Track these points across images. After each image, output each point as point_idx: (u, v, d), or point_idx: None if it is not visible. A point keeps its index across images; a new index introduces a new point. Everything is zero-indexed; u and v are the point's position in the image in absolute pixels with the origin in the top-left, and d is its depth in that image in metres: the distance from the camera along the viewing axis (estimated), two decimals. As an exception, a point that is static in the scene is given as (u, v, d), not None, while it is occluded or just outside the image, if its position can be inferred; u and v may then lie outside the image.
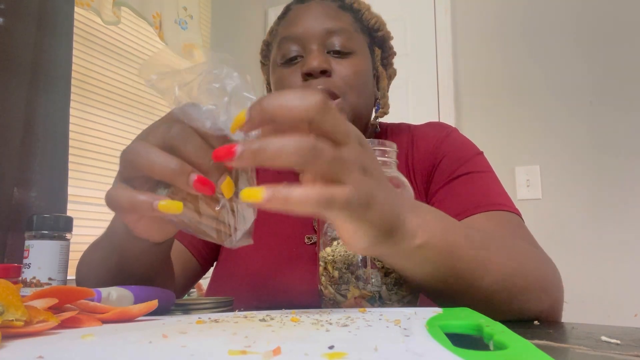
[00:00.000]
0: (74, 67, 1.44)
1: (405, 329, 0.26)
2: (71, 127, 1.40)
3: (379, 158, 0.45)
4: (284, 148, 0.29)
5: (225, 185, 0.36)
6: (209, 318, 0.33)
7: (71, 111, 1.39)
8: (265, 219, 0.68)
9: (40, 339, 0.25)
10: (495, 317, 0.31)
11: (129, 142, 0.38)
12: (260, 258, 0.67)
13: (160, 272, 0.51)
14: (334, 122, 0.31)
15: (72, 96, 1.40)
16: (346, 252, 0.46)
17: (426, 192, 0.67)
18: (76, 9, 1.47)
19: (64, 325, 0.30)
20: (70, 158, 1.38)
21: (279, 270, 0.66)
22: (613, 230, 1.59)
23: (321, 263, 0.48)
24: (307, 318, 0.31)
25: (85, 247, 0.56)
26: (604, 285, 1.57)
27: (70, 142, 1.38)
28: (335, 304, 0.46)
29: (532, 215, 1.57)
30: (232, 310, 0.49)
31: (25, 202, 1.20)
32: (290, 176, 0.73)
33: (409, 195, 0.45)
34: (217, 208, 0.38)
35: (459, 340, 0.26)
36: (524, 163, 1.74)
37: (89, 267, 0.53)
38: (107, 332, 0.27)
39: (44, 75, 1.29)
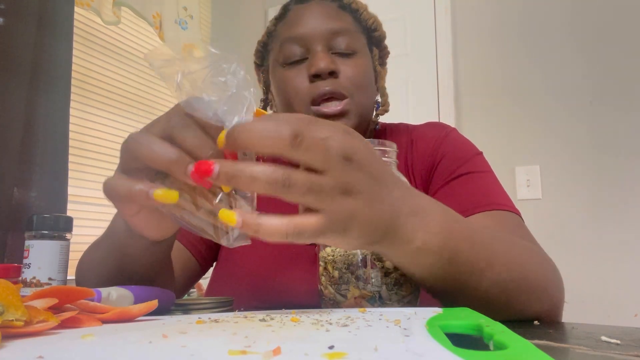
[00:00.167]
0: (74, 67, 1.44)
1: (405, 329, 0.26)
2: (71, 127, 1.40)
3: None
4: (256, 177, 0.30)
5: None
6: (209, 318, 0.33)
7: (71, 111, 1.39)
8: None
9: (40, 339, 0.25)
10: (494, 317, 0.31)
11: (129, 142, 0.38)
12: (259, 258, 0.67)
13: (161, 272, 0.51)
14: (308, 153, 0.31)
15: (72, 96, 1.40)
16: (346, 252, 0.46)
17: (425, 192, 0.67)
18: (76, 9, 1.47)
19: (64, 325, 0.30)
20: (70, 158, 1.38)
21: (279, 270, 0.66)
22: (613, 230, 1.59)
23: (321, 263, 0.48)
24: (307, 318, 0.31)
25: (85, 247, 0.56)
26: (604, 285, 1.57)
27: (70, 142, 1.38)
28: (335, 304, 0.46)
29: (532, 215, 1.57)
30: (232, 310, 0.49)
31: (25, 202, 1.20)
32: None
33: None
34: (215, 202, 0.38)
35: (459, 340, 0.26)
36: (524, 163, 1.74)
37: (89, 267, 0.53)
38: (107, 332, 0.27)
39: (44, 75, 1.29)
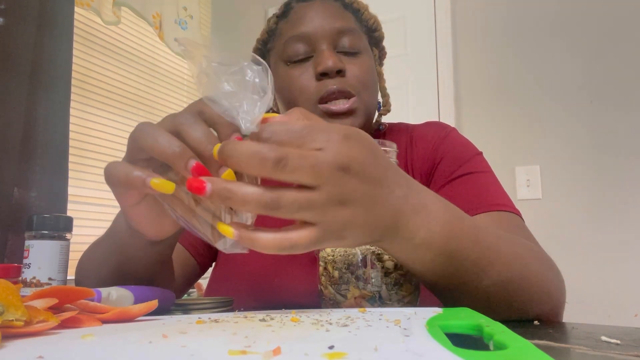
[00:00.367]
0: (74, 67, 1.44)
1: (405, 329, 0.26)
2: (71, 127, 1.40)
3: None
4: (246, 199, 0.31)
5: (226, 176, 0.36)
6: (209, 318, 0.33)
7: (71, 111, 1.39)
8: (264, 220, 0.68)
9: (40, 339, 0.25)
10: (495, 316, 0.31)
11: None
12: (259, 258, 0.67)
13: (161, 272, 0.51)
14: (294, 174, 0.31)
15: (72, 96, 1.40)
16: (346, 252, 0.46)
17: None
18: (76, 9, 1.47)
19: (64, 325, 0.30)
20: (70, 158, 1.38)
21: (279, 270, 0.66)
22: (613, 230, 1.59)
23: (321, 263, 0.48)
24: (307, 318, 0.31)
25: (85, 247, 0.56)
26: (604, 285, 1.57)
27: (70, 142, 1.38)
28: (335, 304, 0.46)
29: (532, 215, 1.57)
30: (232, 310, 0.49)
31: (25, 202, 1.20)
32: None
33: None
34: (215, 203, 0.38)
35: (459, 340, 0.26)
36: (524, 163, 1.74)
37: (90, 266, 0.53)
38: (107, 332, 0.27)
39: (44, 75, 1.29)
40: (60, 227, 0.58)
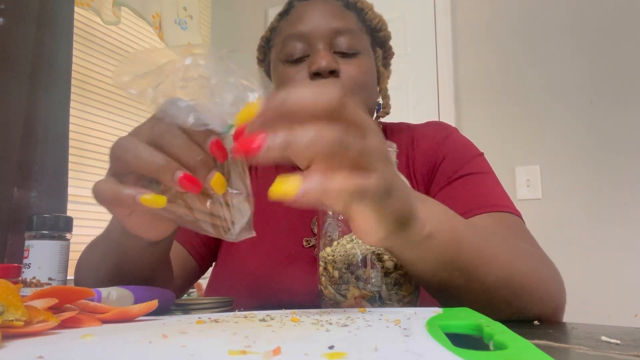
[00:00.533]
0: (74, 67, 1.44)
1: (405, 329, 0.26)
2: (71, 127, 1.40)
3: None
4: (314, 140, 0.28)
5: (215, 181, 0.35)
6: (209, 318, 0.33)
7: (71, 111, 1.39)
8: (263, 222, 0.68)
9: (40, 339, 0.25)
10: (496, 315, 0.31)
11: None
12: (259, 259, 0.67)
13: (159, 272, 0.51)
14: (354, 113, 0.30)
15: (72, 96, 1.40)
16: (346, 252, 0.46)
17: (427, 193, 0.67)
18: (76, 9, 1.47)
19: (64, 325, 0.30)
20: (70, 158, 1.38)
21: (279, 270, 0.66)
22: (613, 230, 1.59)
23: (321, 263, 0.48)
24: (307, 318, 0.31)
25: (85, 247, 0.56)
26: (604, 285, 1.57)
27: (70, 142, 1.38)
28: (335, 304, 0.46)
29: (532, 215, 1.57)
30: (232, 310, 0.49)
31: (25, 202, 1.20)
32: (288, 171, 0.73)
33: None
34: (208, 204, 0.37)
35: (459, 340, 0.26)
36: (524, 163, 1.74)
37: (88, 267, 0.53)
38: (107, 332, 0.27)
39: (44, 75, 1.29)
40: (60, 227, 0.58)
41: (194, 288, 1.36)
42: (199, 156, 0.35)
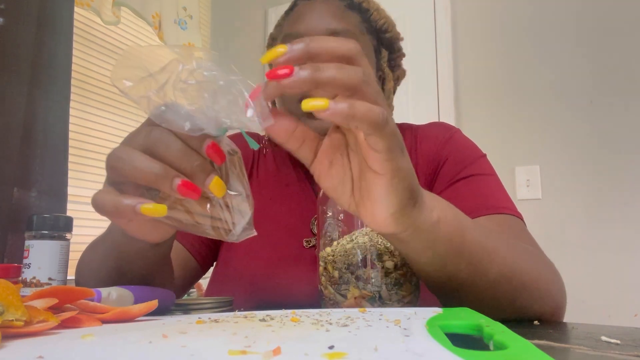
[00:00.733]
0: (73, 67, 1.44)
1: (405, 329, 0.26)
2: (71, 127, 1.40)
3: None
4: (339, 73, 0.31)
5: (214, 185, 0.35)
6: (209, 318, 0.33)
7: (71, 111, 1.39)
8: (264, 223, 0.68)
9: (40, 339, 0.25)
10: (498, 314, 0.31)
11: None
12: (259, 259, 0.67)
13: (160, 272, 0.51)
14: (367, 64, 0.33)
15: (72, 96, 1.40)
16: (346, 252, 0.46)
17: None
18: (76, 9, 1.47)
19: (64, 325, 0.30)
20: (70, 158, 1.38)
21: (279, 270, 0.66)
22: (613, 230, 1.59)
23: (321, 263, 0.48)
24: (307, 318, 0.31)
25: (85, 247, 0.56)
26: (604, 285, 1.57)
27: (70, 142, 1.38)
28: (335, 304, 0.46)
29: (532, 215, 1.57)
30: (232, 310, 0.49)
31: (25, 202, 1.20)
32: (288, 171, 0.73)
33: None
34: (208, 208, 0.37)
35: (459, 340, 0.26)
36: (524, 163, 1.74)
37: (89, 267, 0.53)
38: (107, 332, 0.27)
39: (44, 75, 1.29)
40: (60, 227, 0.58)
41: (194, 288, 1.36)
42: (196, 161, 0.35)
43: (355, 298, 0.44)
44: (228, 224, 0.37)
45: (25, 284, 0.55)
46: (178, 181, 0.34)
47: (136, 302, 0.40)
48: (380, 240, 0.46)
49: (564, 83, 1.72)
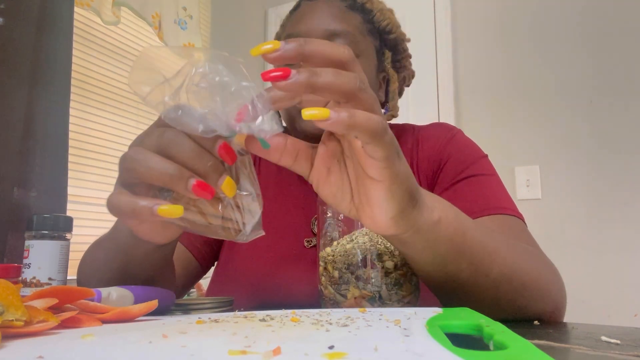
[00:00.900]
0: (73, 67, 1.44)
1: (405, 329, 0.26)
2: (71, 127, 1.40)
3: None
4: (336, 78, 0.31)
5: (226, 185, 0.36)
6: (209, 318, 0.33)
7: (71, 111, 1.39)
8: (264, 223, 0.68)
9: (40, 339, 0.25)
10: (499, 314, 0.31)
11: (128, 142, 0.38)
12: (260, 258, 0.67)
13: (163, 273, 0.51)
14: (360, 70, 0.33)
15: (72, 96, 1.40)
16: (346, 252, 0.46)
17: None
18: (76, 9, 1.47)
19: (64, 325, 0.30)
20: (70, 158, 1.37)
21: (279, 270, 0.66)
22: (613, 230, 1.59)
23: (321, 263, 0.48)
24: (307, 318, 0.31)
25: (85, 247, 0.56)
26: (604, 285, 1.57)
27: (70, 142, 1.38)
28: (335, 304, 0.46)
29: (532, 215, 1.56)
30: (232, 310, 0.49)
31: (25, 202, 1.20)
32: (289, 172, 0.73)
33: None
34: (220, 208, 0.38)
35: (459, 340, 0.26)
36: (524, 163, 1.74)
37: (92, 267, 0.53)
38: (107, 332, 0.27)
39: (44, 75, 1.29)
40: (60, 227, 0.58)
41: (194, 288, 1.36)
42: (209, 162, 0.35)
43: (355, 298, 0.44)
44: (238, 224, 0.38)
45: (25, 284, 0.55)
46: (193, 181, 0.34)
47: (136, 302, 0.40)
48: (380, 240, 0.46)
49: (564, 83, 1.72)
